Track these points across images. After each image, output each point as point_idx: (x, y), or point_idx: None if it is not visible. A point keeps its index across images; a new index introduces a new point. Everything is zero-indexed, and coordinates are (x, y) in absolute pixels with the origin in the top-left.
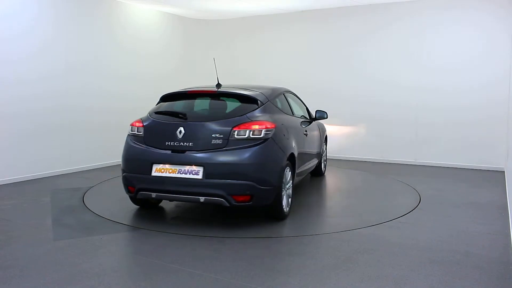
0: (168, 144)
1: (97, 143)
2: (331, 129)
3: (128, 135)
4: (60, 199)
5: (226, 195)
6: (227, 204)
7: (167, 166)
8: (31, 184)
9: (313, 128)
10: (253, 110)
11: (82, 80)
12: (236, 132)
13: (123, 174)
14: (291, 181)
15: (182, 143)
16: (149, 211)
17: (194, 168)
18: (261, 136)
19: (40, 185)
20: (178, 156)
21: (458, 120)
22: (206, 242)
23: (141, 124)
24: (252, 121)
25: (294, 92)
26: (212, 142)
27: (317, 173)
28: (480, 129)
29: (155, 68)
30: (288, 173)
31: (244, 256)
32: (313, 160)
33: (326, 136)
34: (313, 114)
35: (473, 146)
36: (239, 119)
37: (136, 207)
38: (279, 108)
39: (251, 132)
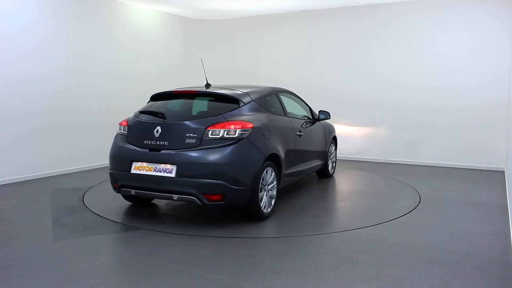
0: (146, 142)
1: (97, 143)
2: None
3: (116, 133)
4: (60, 199)
5: (198, 193)
6: (199, 203)
7: (144, 164)
8: (31, 184)
9: (315, 128)
10: (232, 110)
11: (82, 80)
12: (210, 131)
13: (109, 171)
14: (275, 182)
15: (158, 142)
16: (149, 211)
17: (168, 166)
18: (236, 136)
19: (40, 185)
20: (154, 155)
21: (458, 120)
22: (206, 242)
23: (126, 123)
24: (228, 120)
25: (294, 93)
26: (186, 141)
27: (324, 174)
28: (480, 129)
29: (156, 67)
30: (269, 174)
31: (244, 256)
32: (313, 161)
33: (335, 137)
34: (317, 114)
35: (473, 146)
36: (215, 118)
37: (136, 207)
38: (266, 108)
39: (226, 132)
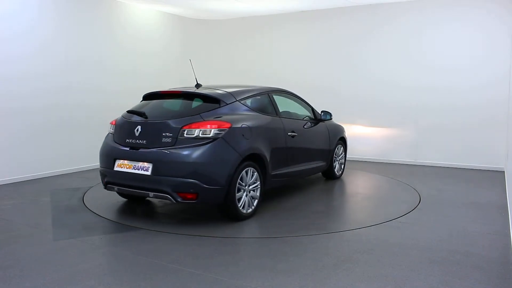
0: (128, 141)
1: (97, 143)
2: None
3: (108, 132)
4: (60, 199)
5: (172, 192)
6: (174, 201)
7: (125, 162)
8: (31, 184)
9: (317, 129)
10: (212, 110)
11: (82, 80)
12: (186, 131)
13: (99, 168)
14: (258, 182)
15: (137, 141)
16: (149, 211)
17: (145, 164)
18: (210, 135)
19: (40, 185)
20: (133, 153)
21: (458, 120)
22: (206, 242)
23: (114, 123)
24: (205, 120)
25: (293, 93)
26: (162, 140)
27: (330, 175)
28: (480, 129)
29: (156, 67)
30: (250, 174)
31: (244, 256)
32: (314, 162)
33: (343, 138)
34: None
35: (473, 146)
36: (192, 118)
37: (136, 207)
38: (252, 109)
39: (201, 132)
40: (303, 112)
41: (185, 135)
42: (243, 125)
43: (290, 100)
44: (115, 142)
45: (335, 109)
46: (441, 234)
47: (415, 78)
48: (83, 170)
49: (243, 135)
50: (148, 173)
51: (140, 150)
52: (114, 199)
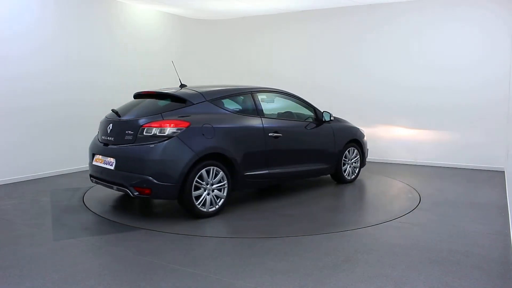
0: (103, 138)
1: None
2: None
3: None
4: (60, 199)
5: (129, 186)
6: (131, 195)
7: (99, 157)
8: (31, 184)
9: (317, 130)
10: (176, 109)
11: (82, 80)
12: (145, 129)
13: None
14: (224, 182)
15: (108, 138)
16: (149, 211)
17: (111, 159)
18: (166, 134)
19: (40, 185)
20: (105, 149)
21: (458, 120)
22: (206, 242)
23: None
24: (164, 119)
25: (291, 93)
26: (125, 138)
27: (338, 179)
28: (480, 129)
29: (156, 67)
30: (213, 174)
31: (244, 256)
32: (309, 164)
33: (357, 141)
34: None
35: (473, 146)
36: (153, 117)
37: (136, 207)
38: (224, 108)
39: (159, 130)
40: (303, 112)
41: (144, 133)
42: (205, 125)
43: (288, 100)
44: (97, 139)
45: (335, 109)
46: (441, 234)
47: (415, 78)
48: (83, 170)
49: (203, 135)
50: (112, 167)
51: (109, 146)
52: (114, 199)
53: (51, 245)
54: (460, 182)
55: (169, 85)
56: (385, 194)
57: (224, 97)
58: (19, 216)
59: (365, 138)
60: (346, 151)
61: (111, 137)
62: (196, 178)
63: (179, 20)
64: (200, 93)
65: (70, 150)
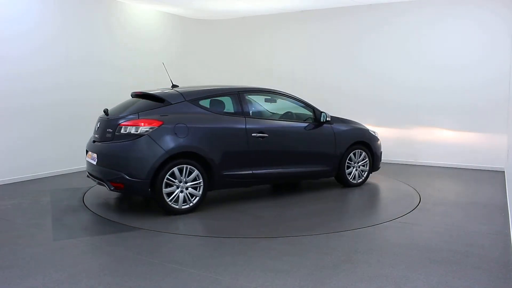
0: (94, 135)
1: None
2: None
3: None
4: (60, 199)
5: (106, 180)
6: (109, 189)
7: (89, 152)
8: (31, 184)
9: (315, 131)
10: (153, 109)
11: (82, 80)
12: (122, 128)
13: None
14: (200, 180)
15: (95, 135)
16: (149, 211)
17: (94, 155)
18: (138, 132)
19: (40, 185)
20: (93, 145)
21: (458, 119)
22: (206, 242)
23: None
24: (140, 118)
25: (288, 94)
26: (106, 136)
27: (343, 181)
28: (480, 129)
29: (156, 67)
30: (186, 172)
31: (244, 256)
32: (304, 166)
33: (364, 143)
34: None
35: (473, 146)
36: (130, 116)
37: (136, 207)
38: (204, 108)
39: (134, 129)
40: (302, 113)
41: (121, 132)
42: (179, 124)
43: (287, 101)
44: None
45: (335, 109)
46: (441, 234)
47: (416, 78)
48: (83, 170)
49: (175, 134)
50: (95, 163)
51: (95, 143)
52: (114, 199)
53: (51, 245)
54: (460, 182)
55: (167, 84)
56: (385, 194)
57: (205, 98)
58: (19, 216)
59: (378, 142)
60: (351, 154)
61: (97, 134)
62: (167, 176)
63: (179, 20)
64: (180, 93)
65: (70, 150)
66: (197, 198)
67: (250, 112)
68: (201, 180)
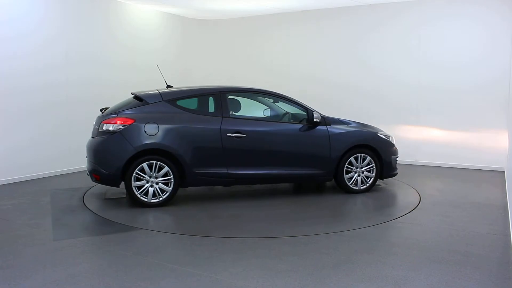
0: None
1: None
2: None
3: None
4: (60, 199)
5: (90, 172)
6: (91, 180)
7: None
8: (31, 184)
9: (305, 133)
10: (133, 108)
11: (82, 79)
12: (104, 125)
13: None
14: (170, 176)
15: (92, 132)
16: (149, 211)
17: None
18: (112, 129)
19: (40, 185)
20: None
21: (458, 119)
22: (206, 242)
23: None
24: (118, 117)
25: (280, 94)
26: (95, 132)
27: (344, 188)
28: (480, 129)
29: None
30: (155, 168)
31: (244, 256)
32: (290, 168)
33: (369, 146)
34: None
35: (473, 146)
36: (111, 114)
37: (136, 207)
38: (181, 108)
39: (110, 126)
40: (295, 113)
41: (103, 128)
42: (149, 122)
43: (274, 101)
44: None
45: (334, 109)
46: (441, 234)
47: (416, 78)
48: (83, 170)
49: (145, 131)
50: (86, 156)
51: (91, 138)
52: (115, 199)
53: (51, 245)
54: (460, 182)
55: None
56: (385, 194)
57: (182, 98)
58: (19, 216)
59: (392, 147)
60: (351, 158)
61: (93, 131)
62: (136, 171)
63: (179, 20)
64: (159, 93)
65: (70, 150)
66: (167, 193)
67: (230, 112)
68: (171, 176)
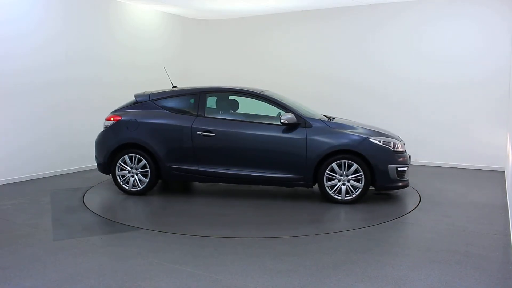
0: None
1: None
2: None
3: None
4: (60, 199)
5: (96, 161)
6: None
7: None
8: (31, 184)
9: (278, 135)
10: (128, 106)
11: (82, 79)
12: (105, 122)
13: None
14: (147, 169)
15: None
16: (149, 211)
17: None
18: (106, 125)
19: (40, 185)
20: None
21: (458, 119)
22: (206, 242)
23: None
24: (111, 114)
25: (262, 95)
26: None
27: (326, 197)
28: (480, 128)
29: (156, 67)
30: (135, 160)
31: (244, 256)
32: (259, 170)
33: (359, 154)
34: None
35: (473, 146)
36: (111, 113)
37: (136, 207)
38: (162, 107)
39: (107, 122)
40: (272, 115)
41: (104, 124)
42: (131, 120)
43: (260, 102)
44: None
45: (334, 108)
46: (441, 234)
47: (416, 78)
48: (83, 170)
49: (127, 128)
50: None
51: None
52: (114, 199)
53: (51, 245)
54: (460, 182)
55: (167, 85)
56: (385, 194)
57: (165, 98)
58: (19, 216)
59: (394, 155)
60: (334, 164)
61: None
62: (119, 162)
63: (179, 20)
64: (148, 94)
65: (70, 150)
66: (145, 184)
67: (205, 111)
68: (148, 169)
